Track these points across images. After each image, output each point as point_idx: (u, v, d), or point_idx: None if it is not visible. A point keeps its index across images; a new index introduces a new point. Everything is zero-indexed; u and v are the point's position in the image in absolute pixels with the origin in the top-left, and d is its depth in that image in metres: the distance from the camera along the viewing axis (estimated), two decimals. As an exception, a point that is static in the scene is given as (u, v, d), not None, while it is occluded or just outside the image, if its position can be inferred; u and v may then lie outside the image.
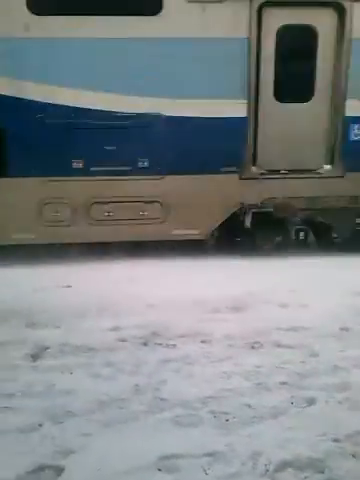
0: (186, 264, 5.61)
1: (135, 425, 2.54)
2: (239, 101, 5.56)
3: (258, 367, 3.18)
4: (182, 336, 3.62)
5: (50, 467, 2.24)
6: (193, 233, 5.98)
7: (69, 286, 5.08)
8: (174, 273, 5.21)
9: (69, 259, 5.84)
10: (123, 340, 3.58)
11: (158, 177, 5.69)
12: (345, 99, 5.73)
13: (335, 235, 6.47)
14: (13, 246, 5.86)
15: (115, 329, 3.78)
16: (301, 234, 6.36)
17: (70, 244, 6.03)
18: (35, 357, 3.37)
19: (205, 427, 2.52)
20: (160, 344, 3.52)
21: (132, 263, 5.57)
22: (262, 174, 5.86)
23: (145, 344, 3.53)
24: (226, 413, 2.67)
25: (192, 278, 4.95)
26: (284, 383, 3.00)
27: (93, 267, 5.69)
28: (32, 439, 2.43)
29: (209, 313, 4.09)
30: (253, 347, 3.49)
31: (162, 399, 2.80)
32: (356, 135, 5.87)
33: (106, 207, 5.79)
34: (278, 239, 6.32)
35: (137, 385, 2.91)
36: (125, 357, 3.29)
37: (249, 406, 2.74)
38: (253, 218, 6.10)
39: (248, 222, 6.11)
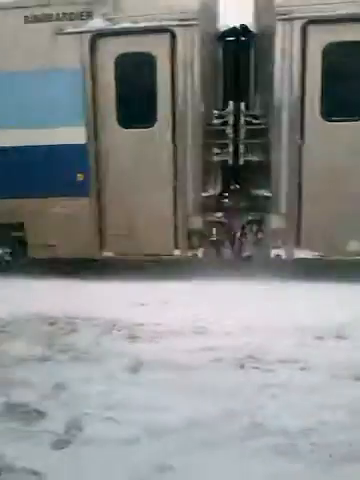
0: (281, 286, 5.47)
1: (233, 449, 2.47)
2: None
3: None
4: (281, 361, 3.50)
5: (149, 482, 2.26)
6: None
7: (166, 302, 5.18)
8: (271, 295, 5.10)
9: (167, 276, 5.99)
10: (219, 360, 3.53)
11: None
12: None
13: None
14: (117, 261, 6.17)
15: (211, 349, 3.75)
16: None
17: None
18: (134, 370, 3.45)
19: (307, 460, 2.38)
20: (257, 368, 3.42)
21: (229, 283, 5.54)
22: None
23: (241, 366, 3.46)
24: (328, 447, 2.51)
25: (291, 301, 4.81)
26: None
27: (191, 285, 5.77)
28: (131, 452, 2.47)
29: (310, 339, 3.92)
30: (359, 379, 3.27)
31: (259, 425, 2.70)
32: None
33: None
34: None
35: (234, 408, 2.85)
36: (221, 378, 3.24)
37: (351, 444, 2.54)
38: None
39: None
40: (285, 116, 5.49)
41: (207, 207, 5.99)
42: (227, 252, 6.25)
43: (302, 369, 3.41)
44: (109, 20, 5.63)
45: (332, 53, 5.30)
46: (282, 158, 5.58)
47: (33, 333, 4.26)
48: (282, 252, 5.72)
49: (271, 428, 2.67)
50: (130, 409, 2.88)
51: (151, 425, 2.69)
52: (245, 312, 4.55)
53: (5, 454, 2.41)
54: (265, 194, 5.75)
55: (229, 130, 5.83)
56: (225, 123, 5.87)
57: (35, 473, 2.27)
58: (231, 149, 5.85)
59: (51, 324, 4.52)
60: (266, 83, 5.76)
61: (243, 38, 6.08)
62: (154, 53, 5.66)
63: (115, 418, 2.77)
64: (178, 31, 5.53)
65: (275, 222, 5.69)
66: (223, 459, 2.41)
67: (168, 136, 5.79)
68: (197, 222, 5.90)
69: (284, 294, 5.15)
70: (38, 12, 5.72)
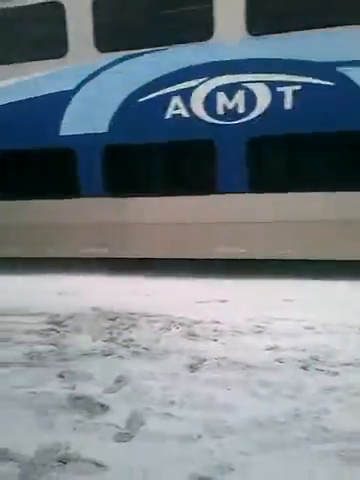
0: (347, 287, 5.28)
1: (296, 452, 2.40)
2: None
3: None
4: (346, 364, 3.36)
5: (209, 480, 2.24)
6: None
7: (224, 301, 5.15)
8: (333, 295, 4.94)
9: (225, 274, 5.96)
10: (281, 361, 3.45)
11: None
12: None
13: None
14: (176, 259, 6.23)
15: (272, 349, 3.68)
16: None
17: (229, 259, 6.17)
18: (193, 368, 3.44)
19: (376, 469, 2.27)
20: (321, 370, 3.30)
21: (288, 283, 5.43)
22: None
23: (304, 368, 3.35)
24: None
25: (354, 301, 4.63)
26: None
27: (249, 284, 5.72)
28: (191, 449, 2.46)
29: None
30: None
31: (324, 429, 2.61)
32: None
33: None
34: None
35: (297, 410, 2.77)
36: (283, 379, 3.16)
37: None
38: None
39: None
40: None
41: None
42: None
43: (368, 373, 3.27)
44: None
45: None
46: None
47: (94, 328, 4.37)
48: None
49: (336, 432, 2.57)
50: (191, 406, 2.87)
51: (212, 423, 2.67)
52: (305, 312, 4.43)
53: (70, 444, 2.48)
54: None
55: None
56: None
57: (99, 464, 2.32)
58: None
59: (111, 319, 4.60)
60: None
61: None
62: None
63: (176, 415, 2.78)
64: None
65: None
66: (285, 462, 2.34)
67: None
68: None
69: (346, 295, 4.98)
70: None
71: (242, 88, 5.71)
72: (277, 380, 3.14)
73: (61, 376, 3.31)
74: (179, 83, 5.92)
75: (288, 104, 5.59)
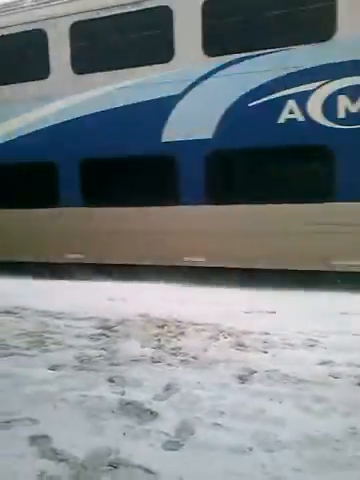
0: None
1: (353, 472, 2.29)
2: None
3: None
4: None
5: (262, 495, 2.18)
6: None
7: (273, 312, 5.05)
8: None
9: (275, 285, 5.85)
10: (336, 376, 3.32)
11: None
12: None
13: None
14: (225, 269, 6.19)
15: (326, 363, 3.56)
16: None
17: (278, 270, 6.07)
18: (243, 379, 3.38)
19: None
20: (379, 387, 3.16)
21: (344, 296, 5.25)
22: None
23: (361, 384, 3.22)
24: None
25: None
26: None
27: (299, 295, 5.59)
28: (243, 462, 2.40)
29: None
30: None
31: (383, 449, 2.49)
32: None
33: None
34: None
35: (354, 428, 2.65)
36: (338, 395, 3.04)
37: None
38: None
39: None
40: None
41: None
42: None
43: None
44: None
45: None
46: None
47: (143, 334, 4.39)
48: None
49: None
50: (241, 418, 2.81)
51: (263, 437, 2.60)
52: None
53: (120, 450, 2.49)
54: None
55: None
56: None
57: (149, 471, 2.30)
58: None
59: (159, 326, 4.62)
60: None
61: None
62: None
63: (226, 425, 2.72)
64: None
65: None
66: (342, 482, 2.24)
67: None
68: None
69: None
70: None
71: None
72: (332, 396, 3.02)
73: (111, 381, 3.34)
74: (294, 86, 5.77)
75: None
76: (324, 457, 2.44)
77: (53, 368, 3.59)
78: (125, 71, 6.54)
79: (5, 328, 4.64)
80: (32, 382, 3.30)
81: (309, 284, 5.82)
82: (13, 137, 7.25)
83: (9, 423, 2.76)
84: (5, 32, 7.15)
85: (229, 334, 4.32)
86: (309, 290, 5.69)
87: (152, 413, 2.88)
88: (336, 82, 5.57)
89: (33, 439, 2.58)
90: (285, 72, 5.77)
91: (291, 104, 5.78)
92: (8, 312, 5.25)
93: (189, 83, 6.20)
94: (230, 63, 6.00)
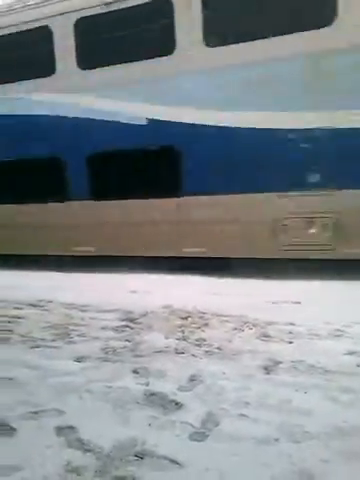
0: None
1: (382, 464, 2.25)
2: None
3: None
4: None
5: (290, 486, 2.15)
6: None
7: (298, 302, 4.99)
8: None
9: (300, 275, 5.78)
10: (363, 367, 3.27)
11: None
12: None
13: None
14: (248, 260, 6.14)
15: (353, 353, 3.49)
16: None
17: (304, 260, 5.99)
18: (268, 370, 3.34)
19: None
20: None
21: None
22: None
23: (390, 375, 3.15)
24: None
25: None
26: None
27: (324, 285, 5.50)
28: (269, 452, 2.37)
29: None
30: None
31: None
32: None
33: None
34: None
35: (383, 420, 2.59)
36: (367, 386, 2.99)
37: None
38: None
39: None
40: None
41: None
42: None
43: None
44: None
45: None
46: None
47: (167, 326, 4.39)
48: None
49: None
50: (267, 409, 2.78)
51: (290, 427, 2.57)
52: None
53: (146, 440, 2.49)
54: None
55: None
56: None
57: (175, 462, 2.30)
58: None
59: (183, 318, 4.61)
60: None
61: None
62: None
63: (252, 416, 2.70)
64: None
65: None
66: (372, 474, 2.19)
67: None
68: None
69: None
70: None
71: None
72: (359, 386, 2.97)
73: (135, 372, 3.35)
74: None
75: None
76: (352, 448, 2.39)
77: (78, 360, 3.63)
78: None
79: (31, 321, 4.71)
80: (58, 374, 3.34)
81: (334, 274, 5.74)
82: None
83: (36, 414, 2.80)
84: None
85: (254, 325, 4.29)
86: (334, 280, 5.60)
87: (177, 404, 2.87)
88: None
89: (59, 430, 2.61)
90: None
91: None
92: (33, 305, 5.34)
93: None
94: None
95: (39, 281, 6.54)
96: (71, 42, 7.02)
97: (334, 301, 4.82)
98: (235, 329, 4.21)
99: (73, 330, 4.38)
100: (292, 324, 4.25)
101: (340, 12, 5.57)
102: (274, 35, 5.88)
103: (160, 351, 3.75)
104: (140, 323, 4.51)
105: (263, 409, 2.79)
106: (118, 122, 6.79)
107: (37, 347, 3.96)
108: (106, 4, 6.63)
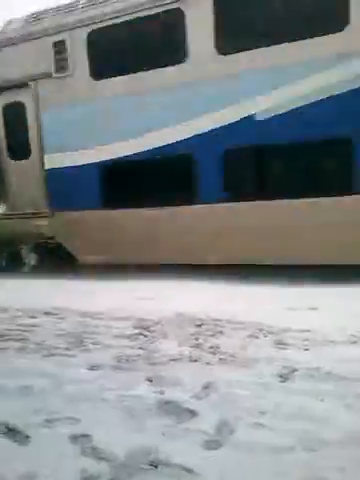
0: None
1: None
2: None
3: None
4: None
5: (307, 495, 2.11)
6: None
7: (315, 308, 4.94)
8: None
9: (316, 281, 5.72)
10: (381, 374, 3.21)
11: None
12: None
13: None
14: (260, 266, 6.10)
15: (370, 360, 3.44)
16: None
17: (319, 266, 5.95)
18: (284, 377, 3.30)
19: None
20: None
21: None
22: None
23: None
24: None
25: None
26: None
27: (340, 291, 5.44)
28: (285, 461, 2.33)
29: None
30: None
31: None
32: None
33: None
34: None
35: None
36: (385, 394, 2.93)
37: None
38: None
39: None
40: None
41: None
42: None
43: None
44: None
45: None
46: None
47: (181, 333, 4.37)
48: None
49: None
50: (283, 417, 2.74)
51: (306, 435, 2.53)
52: None
53: (159, 449, 2.47)
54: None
55: None
56: None
57: (189, 471, 2.28)
58: None
59: (197, 326, 4.59)
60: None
61: None
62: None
63: (267, 425, 2.66)
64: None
65: None
66: (391, 484, 2.14)
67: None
68: None
69: None
70: None
71: None
72: (377, 394, 2.92)
73: (149, 380, 3.34)
74: None
75: None
76: (370, 456, 2.34)
77: (93, 368, 3.62)
78: None
79: (45, 329, 4.74)
80: (72, 382, 3.34)
81: (351, 280, 5.67)
82: None
83: (51, 422, 2.80)
84: None
85: (269, 332, 4.25)
86: (351, 286, 5.54)
87: (191, 412, 2.85)
88: None
89: (74, 438, 2.60)
90: None
91: None
92: (48, 313, 5.37)
93: None
94: None
95: (50, 289, 6.56)
96: None
97: (351, 307, 4.75)
98: (250, 336, 4.18)
99: (87, 338, 4.38)
100: (308, 331, 4.21)
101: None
102: None
103: (174, 359, 3.73)
104: (154, 331, 4.50)
105: (280, 418, 2.75)
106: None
107: (51, 355, 3.98)
108: None
